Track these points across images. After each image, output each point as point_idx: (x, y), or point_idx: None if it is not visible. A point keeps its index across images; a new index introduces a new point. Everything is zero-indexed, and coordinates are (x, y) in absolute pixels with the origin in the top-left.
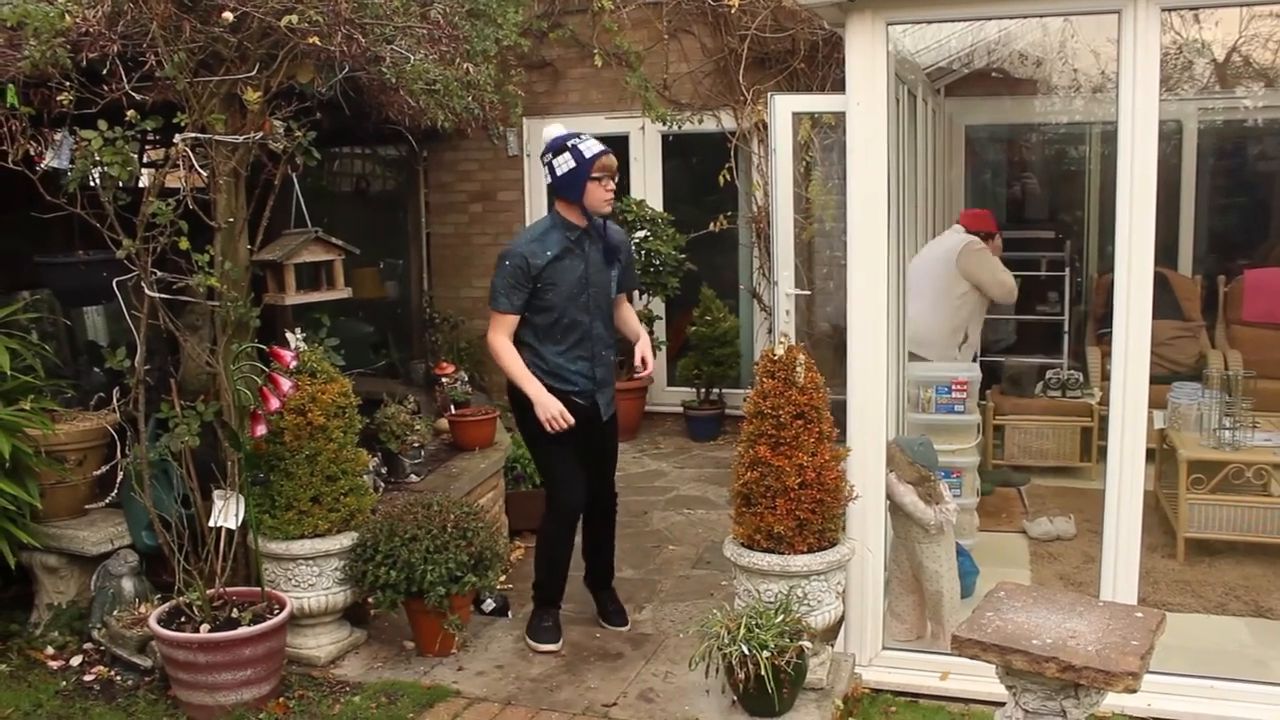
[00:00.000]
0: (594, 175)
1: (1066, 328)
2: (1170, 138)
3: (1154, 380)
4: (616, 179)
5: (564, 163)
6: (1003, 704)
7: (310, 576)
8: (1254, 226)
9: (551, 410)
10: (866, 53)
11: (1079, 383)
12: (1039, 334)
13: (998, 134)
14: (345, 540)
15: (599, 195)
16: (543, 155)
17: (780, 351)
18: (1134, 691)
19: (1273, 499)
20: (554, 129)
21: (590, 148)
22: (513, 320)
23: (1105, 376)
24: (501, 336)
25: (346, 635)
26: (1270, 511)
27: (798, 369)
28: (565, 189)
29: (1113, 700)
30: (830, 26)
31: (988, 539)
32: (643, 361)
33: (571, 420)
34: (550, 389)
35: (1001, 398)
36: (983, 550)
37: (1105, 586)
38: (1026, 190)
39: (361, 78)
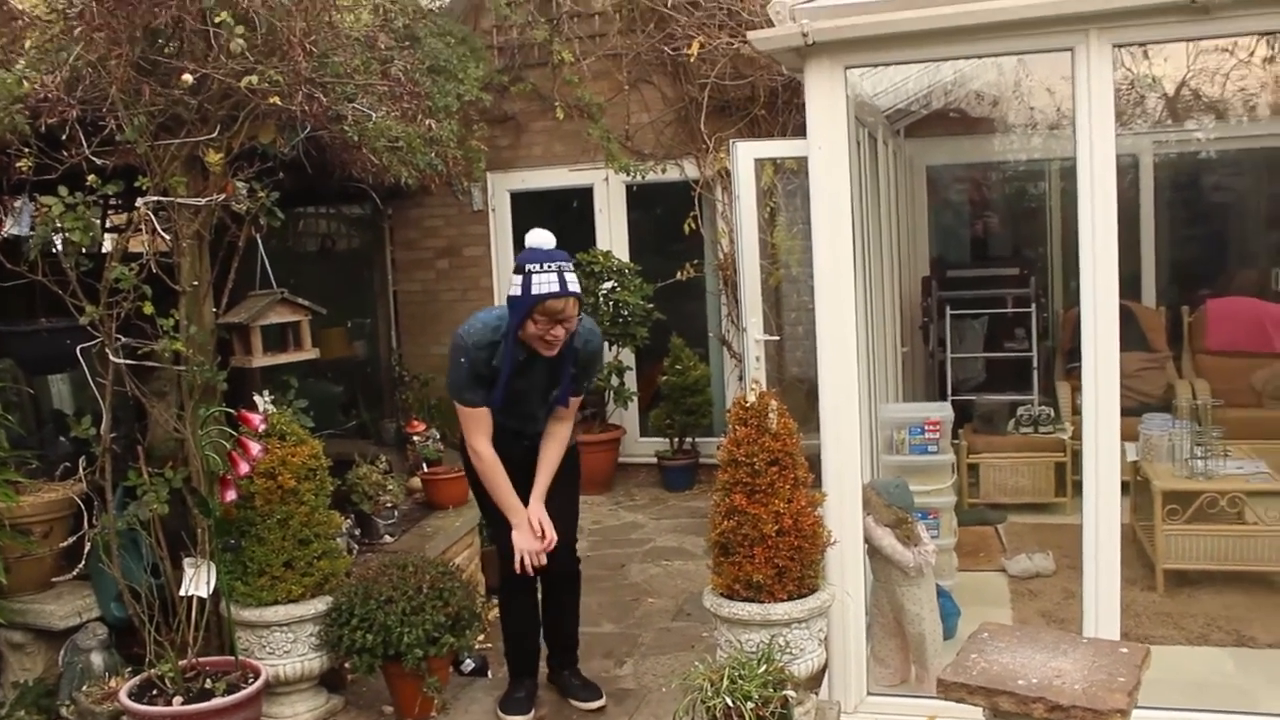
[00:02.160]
0: (534, 316)
1: (1035, 364)
2: (1127, 171)
3: (1124, 412)
4: (570, 324)
5: (515, 285)
6: None
7: (285, 643)
8: (1213, 256)
9: (527, 547)
10: (826, 97)
11: (1050, 418)
12: (1008, 371)
13: (958, 173)
14: (320, 605)
15: (534, 334)
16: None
17: (752, 398)
18: None
19: (1248, 527)
20: (536, 236)
21: (540, 285)
22: (485, 414)
23: (1076, 411)
24: (483, 440)
25: (323, 702)
26: (1246, 540)
27: (770, 415)
28: (511, 312)
29: None
30: (789, 72)
31: (967, 579)
32: (540, 527)
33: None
34: (500, 426)
35: (974, 436)
36: (963, 590)
37: (1088, 622)
38: (989, 228)
39: (324, 136)
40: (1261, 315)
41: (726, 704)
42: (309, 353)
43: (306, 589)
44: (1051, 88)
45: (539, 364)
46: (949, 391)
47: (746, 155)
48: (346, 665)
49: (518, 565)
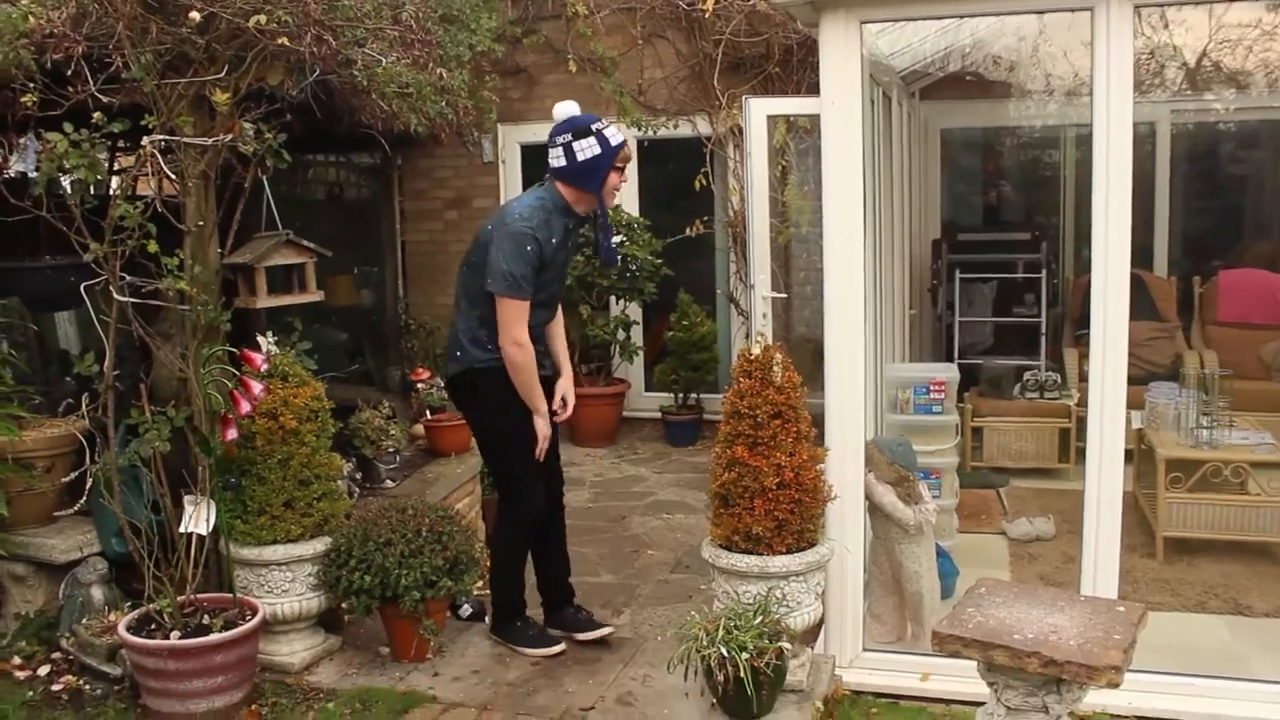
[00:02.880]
0: (616, 165)
1: (1044, 330)
2: (1144, 140)
3: (1131, 381)
4: None
5: (587, 148)
6: (984, 703)
7: (283, 582)
8: (1227, 228)
9: (545, 432)
10: (840, 53)
11: (1057, 384)
12: (1016, 336)
13: (973, 137)
14: (319, 545)
15: (614, 184)
16: (556, 135)
17: (757, 351)
18: (1117, 686)
19: (1250, 497)
20: (569, 107)
21: (615, 135)
22: (527, 309)
23: (1083, 378)
24: (524, 333)
25: (320, 641)
26: (1248, 510)
27: (775, 368)
28: (583, 176)
29: (1094, 699)
30: (804, 28)
31: (967, 540)
32: (563, 402)
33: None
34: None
35: (980, 399)
36: (962, 551)
37: (1086, 585)
38: (1002, 193)
39: (333, 81)
40: (1273, 287)
41: (721, 654)
42: (314, 295)
43: (306, 529)
44: (1069, 53)
45: (570, 242)
46: (956, 354)
47: (759, 112)
48: (344, 606)
49: (540, 452)
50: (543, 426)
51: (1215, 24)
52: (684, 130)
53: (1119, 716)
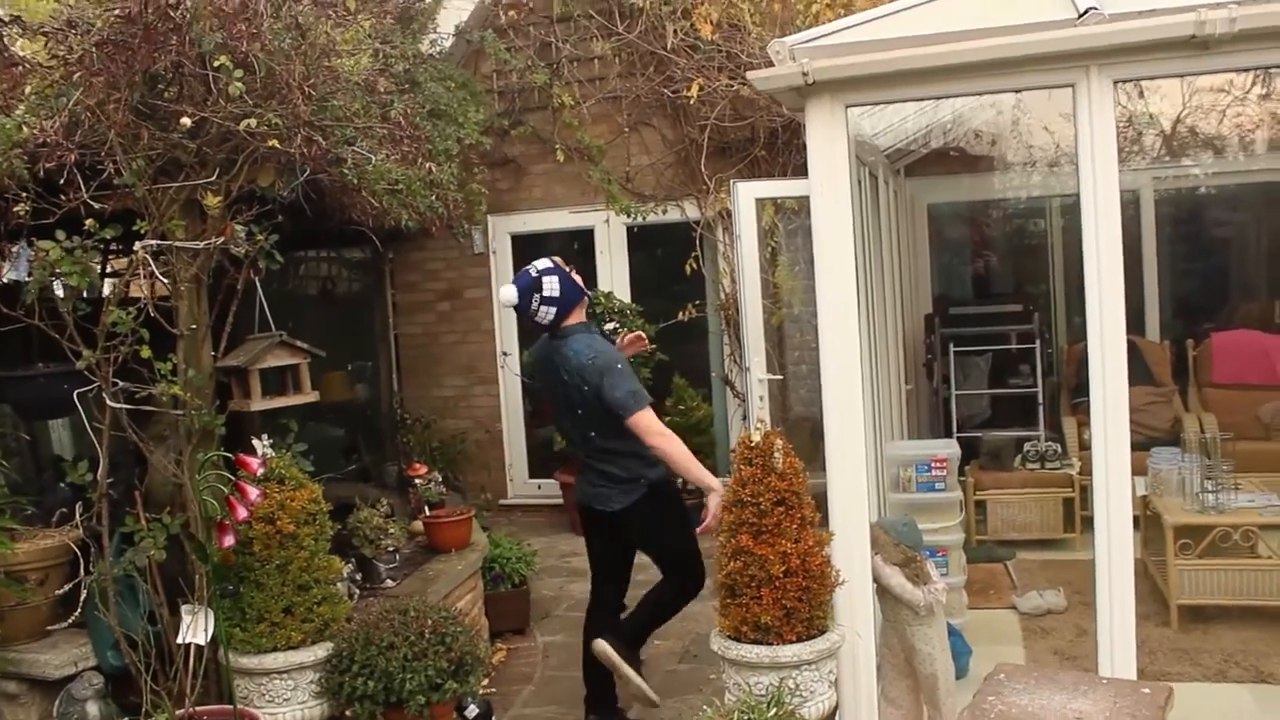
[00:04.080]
0: None
1: (1040, 399)
2: (1128, 207)
3: (1132, 447)
4: None
5: (555, 280)
6: None
7: (285, 691)
8: (1214, 290)
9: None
10: (827, 136)
11: (1057, 454)
12: (1013, 407)
13: (959, 211)
14: (320, 651)
15: None
16: (533, 297)
17: (757, 437)
18: None
19: (1262, 561)
20: (509, 291)
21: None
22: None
23: (1083, 446)
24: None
25: None
26: (1261, 574)
27: (775, 454)
28: (581, 301)
29: None
30: (790, 112)
31: (978, 616)
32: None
33: None
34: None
35: (981, 473)
36: (974, 628)
37: (1103, 659)
38: (990, 265)
39: (323, 179)
40: (1267, 347)
41: None
42: (309, 396)
43: (306, 635)
44: (1049, 125)
45: None
46: (954, 428)
47: (747, 195)
48: (347, 713)
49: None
50: (716, 497)
51: (1189, 90)
52: (673, 215)
53: None
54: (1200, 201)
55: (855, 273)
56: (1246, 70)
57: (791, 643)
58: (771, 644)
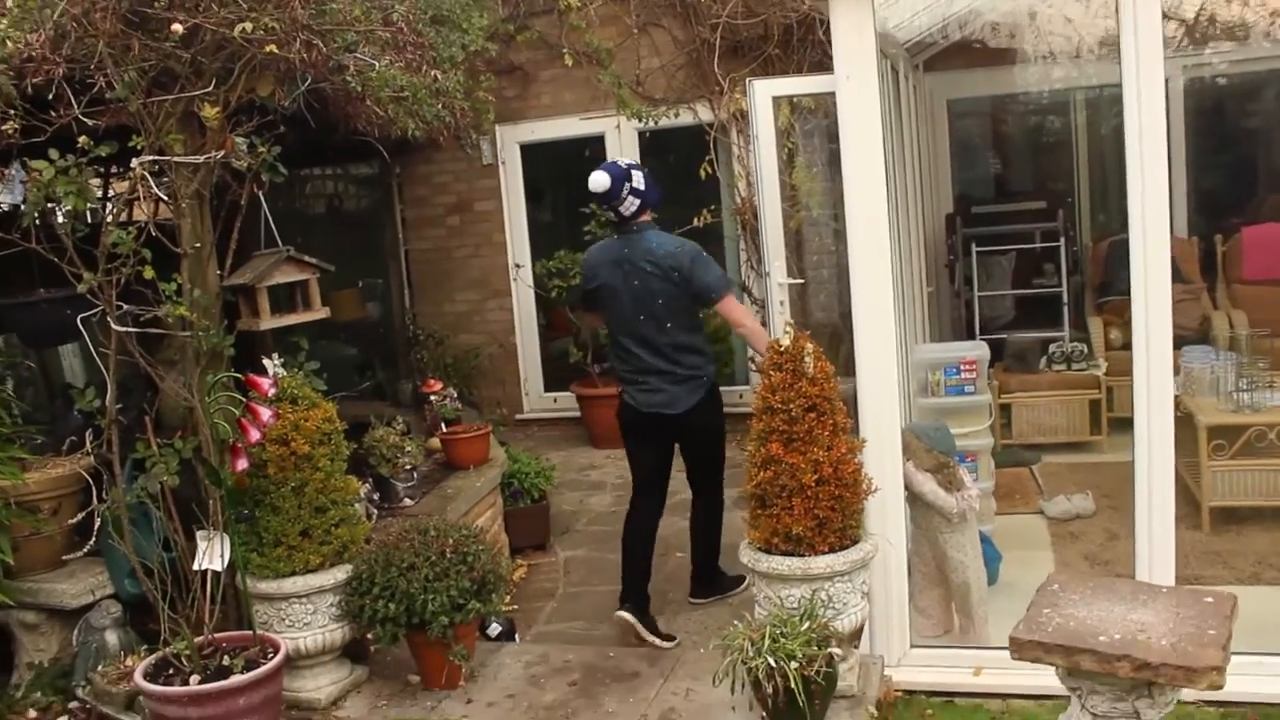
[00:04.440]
0: None
1: (1065, 299)
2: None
3: None
4: None
5: (643, 179)
6: (1046, 697)
7: (305, 615)
8: (1241, 184)
9: None
10: (853, 22)
11: (1083, 354)
12: (1037, 308)
13: (980, 107)
14: (339, 574)
15: None
16: (618, 192)
17: (786, 341)
18: (1220, 688)
19: None
20: (602, 177)
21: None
22: None
23: (1109, 346)
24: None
25: (347, 674)
26: None
27: (806, 359)
28: (657, 196)
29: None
30: (811, 3)
31: (1005, 522)
32: None
33: None
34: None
35: (1006, 375)
36: (1001, 534)
37: (1140, 565)
38: (1013, 162)
39: (326, 89)
40: None
41: (769, 664)
42: (319, 313)
43: (325, 558)
44: (1070, 15)
45: None
46: (977, 330)
47: (764, 94)
48: (369, 636)
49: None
50: None
51: None
52: (685, 119)
53: (1204, 703)
54: (1227, 91)
55: (885, 169)
56: None
57: (824, 554)
58: (804, 555)
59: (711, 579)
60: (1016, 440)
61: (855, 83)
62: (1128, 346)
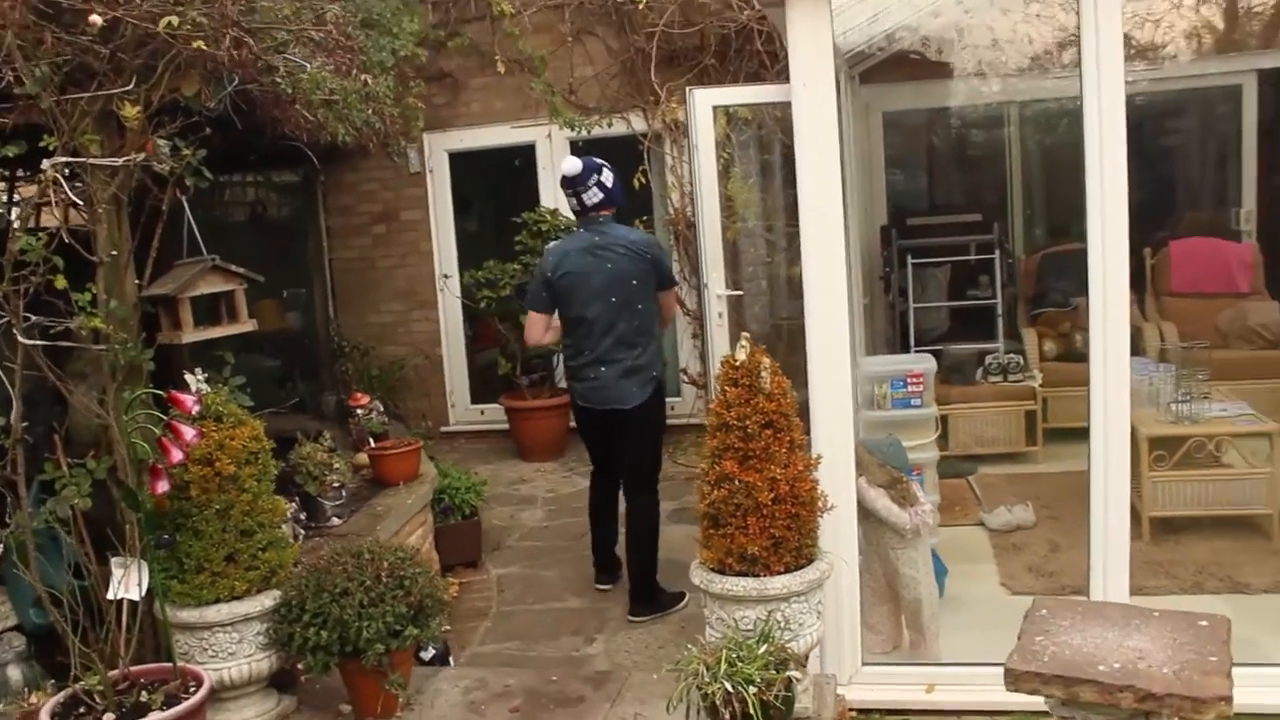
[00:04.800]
0: None
1: (1000, 311)
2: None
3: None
4: None
5: (611, 177)
6: (1000, 713)
7: (229, 644)
8: (1165, 199)
9: None
10: (811, 28)
11: (1019, 366)
12: (972, 319)
13: (916, 119)
14: (267, 600)
15: None
16: (585, 179)
17: (742, 355)
18: (1228, 718)
19: (1233, 471)
20: (574, 162)
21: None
22: None
23: (1043, 357)
24: None
25: (274, 705)
26: (1233, 484)
27: (763, 374)
28: (620, 199)
29: None
30: (764, 6)
31: (946, 534)
32: None
33: None
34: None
35: (945, 387)
36: (944, 547)
37: (1095, 579)
38: (948, 175)
39: (254, 90)
40: (1225, 254)
41: (726, 689)
42: (245, 325)
43: (251, 584)
44: (1008, 33)
45: None
46: (912, 342)
47: (705, 103)
48: (299, 666)
49: None
50: None
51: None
52: (618, 128)
53: None
54: (1147, 111)
55: (842, 177)
56: None
57: (780, 574)
58: (759, 575)
59: (651, 596)
60: (955, 451)
61: (812, 90)
62: (1061, 358)
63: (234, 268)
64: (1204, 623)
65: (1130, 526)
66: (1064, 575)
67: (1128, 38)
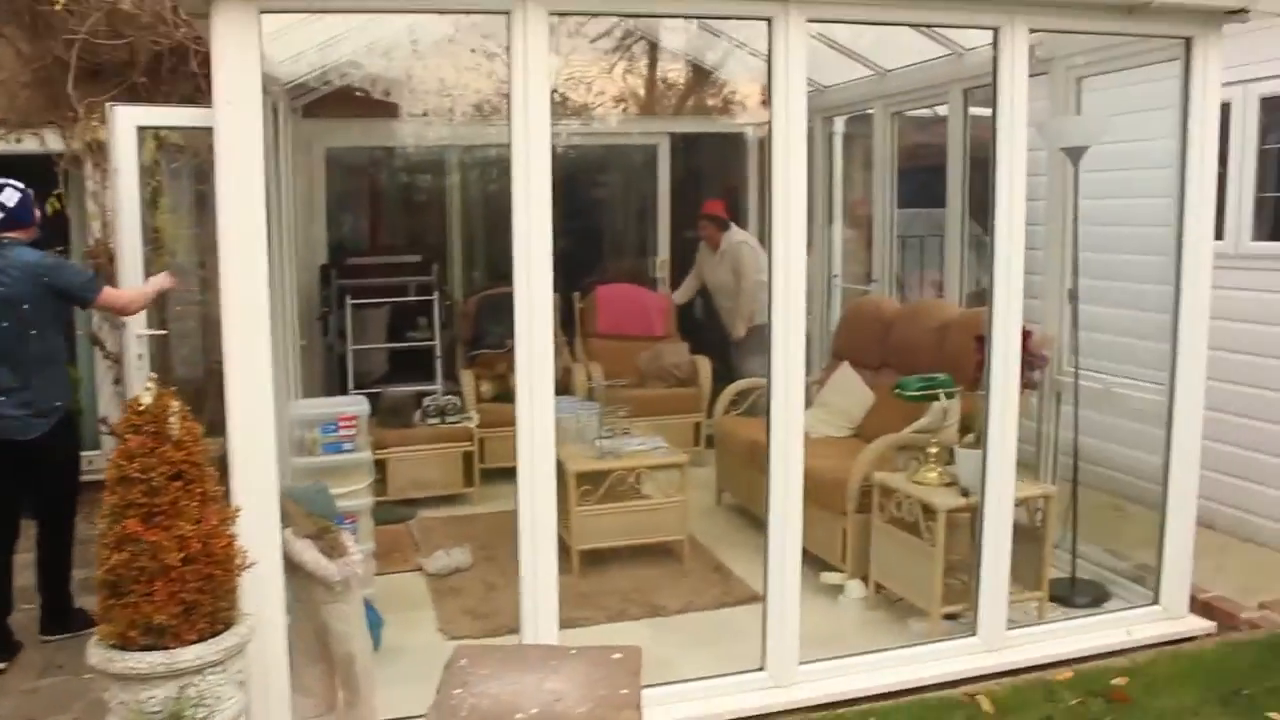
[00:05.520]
0: None
1: (439, 352)
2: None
3: None
4: None
5: (23, 198)
6: None
7: None
8: (594, 247)
9: None
10: (238, 41)
11: (457, 408)
12: (412, 361)
13: (359, 158)
14: None
15: None
16: None
17: (148, 399)
18: None
19: (652, 501)
20: None
21: None
22: None
23: (480, 399)
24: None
25: None
26: (651, 513)
27: (171, 419)
28: (30, 221)
29: None
30: (190, 15)
31: (383, 582)
32: None
33: None
34: None
35: (382, 430)
36: (381, 596)
37: (526, 619)
38: (390, 215)
39: None
40: (643, 300)
41: None
42: None
43: None
44: (455, 80)
45: None
46: (351, 384)
47: (128, 122)
48: None
49: None
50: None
51: (564, 64)
52: (30, 145)
53: None
54: (578, 164)
55: (267, 203)
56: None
57: (193, 643)
58: (169, 647)
59: (66, 612)
60: (394, 496)
61: (237, 109)
62: (498, 399)
63: None
64: (617, 655)
65: (560, 561)
66: (500, 615)
67: (564, 96)
